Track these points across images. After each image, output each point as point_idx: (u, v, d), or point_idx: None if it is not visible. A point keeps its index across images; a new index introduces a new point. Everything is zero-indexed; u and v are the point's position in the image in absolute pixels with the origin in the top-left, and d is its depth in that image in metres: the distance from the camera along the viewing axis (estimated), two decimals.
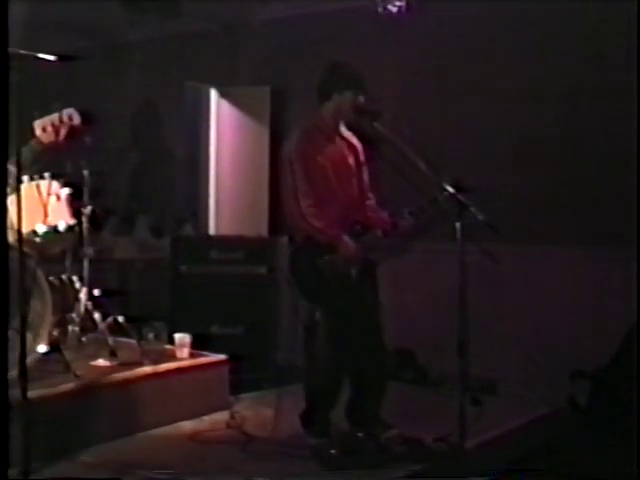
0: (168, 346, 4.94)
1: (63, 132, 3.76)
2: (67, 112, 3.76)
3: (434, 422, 4.20)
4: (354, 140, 4.30)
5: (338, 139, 4.23)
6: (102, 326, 4.75)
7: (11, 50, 3.09)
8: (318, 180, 4.09)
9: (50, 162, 4.28)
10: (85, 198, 4.84)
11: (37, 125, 3.77)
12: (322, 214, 4.05)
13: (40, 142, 3.76)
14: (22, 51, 3.13)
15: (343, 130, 4.27)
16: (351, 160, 4.24)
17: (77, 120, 3.76)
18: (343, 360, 4.17)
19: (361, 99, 4.13)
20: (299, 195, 4.04)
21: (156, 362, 4.64)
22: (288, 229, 4.29)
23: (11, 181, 3.33)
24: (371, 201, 4.31)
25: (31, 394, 3.19)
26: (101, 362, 4.59)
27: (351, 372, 4.25)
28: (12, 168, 3.25)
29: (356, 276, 4.12)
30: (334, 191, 4.14)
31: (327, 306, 4.09)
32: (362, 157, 4.30)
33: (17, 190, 3.18)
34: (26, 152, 3.59)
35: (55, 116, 3.77)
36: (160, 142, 7.21)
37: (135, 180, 7.27)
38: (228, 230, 6.82)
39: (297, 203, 4.04)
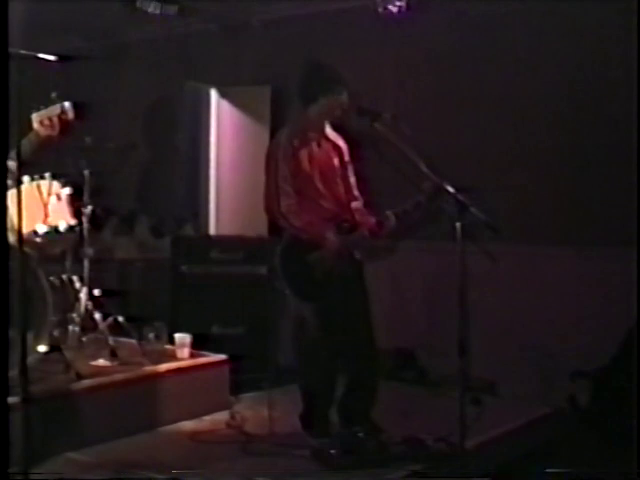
0: (168, 346, 4.95)
1: (58, 127, 3.76)
2: (63, 106, 3.76)
3: (434, 422, 4.20)
4: (339, 141, 4.34)
5: (324, 141, 4.27)
6: (102, 326, 4.76)
7: (11, 50, 3.09)
8: (303, 180, 4.12)
9: (51, 161, 4.28)
10: (85, 198, 4.85)
11: (35, 118, 3.77)
12: (303, 213, 4.08)
13: (38, 135, 3.76)
14: (22, 51, 3.12)
15: (328, 131, 4.31)
16: (336, 161, 4.28)
17: (71, 115, 3.76)
18: (334, 357, 4.18)
19: (345, 96, 4.15)
20: (280, 195, 4.07)
21: (156, 362, 4.65)
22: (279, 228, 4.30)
23: (11, 180, 3.32)
24: (357, 202, 4.32)
25: (31, 394, 3.18)
26: (101, 362, 4.59)
27: (344, 370, 4.26)
28: (12, 164, 3.24)
29: (345, 274, 4.12)
30: (319, 191, 4.17)
31: (317, 303, 4.09)
32: (347, 158, 4.33)
33: (17, 189, 3.18)
34: (25, 145, 3.58)
35: (52, 110, 3.76)
36: (160, 142, 7.20)
37: (135, 180, 7.27)
38: (228, 230, 6.81)
39: (277, 203, 4.07)
